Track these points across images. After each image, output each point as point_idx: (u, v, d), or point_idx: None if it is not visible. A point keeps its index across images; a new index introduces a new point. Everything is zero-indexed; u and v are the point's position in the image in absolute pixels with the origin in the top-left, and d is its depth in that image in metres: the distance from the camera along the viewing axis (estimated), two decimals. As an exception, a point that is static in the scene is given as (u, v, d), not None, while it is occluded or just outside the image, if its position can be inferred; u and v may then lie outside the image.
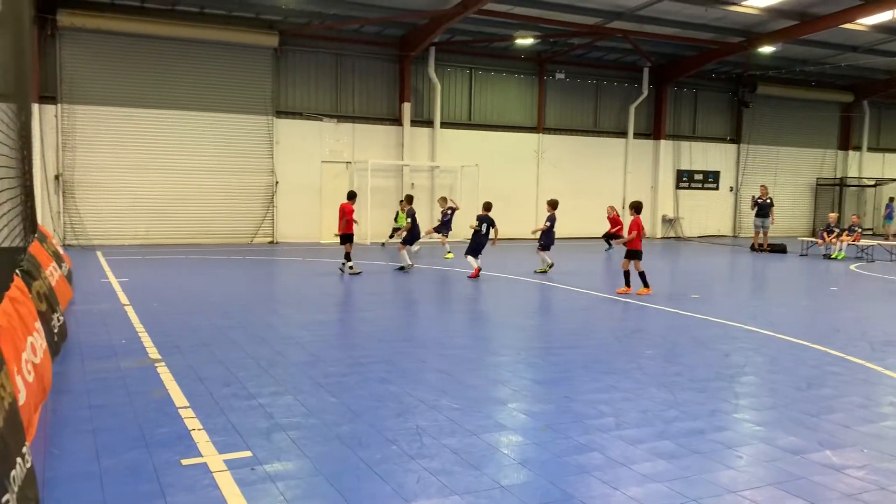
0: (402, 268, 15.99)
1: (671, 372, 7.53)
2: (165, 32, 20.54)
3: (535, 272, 15.87)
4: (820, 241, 21.81)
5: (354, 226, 15.46)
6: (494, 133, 25.69)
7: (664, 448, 5.26)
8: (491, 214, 15.22)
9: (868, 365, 7.96)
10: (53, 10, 19.21)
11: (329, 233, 23.30)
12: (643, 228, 13.21)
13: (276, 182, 22.44)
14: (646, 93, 27.87)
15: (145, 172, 20.90)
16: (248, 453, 4.97)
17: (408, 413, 5.93)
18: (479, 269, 14.75)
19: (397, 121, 24.09)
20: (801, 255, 21.67)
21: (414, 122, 24.21)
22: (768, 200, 22.82)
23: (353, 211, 15.34)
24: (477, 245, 14.92)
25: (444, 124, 24.70)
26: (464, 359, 7.90)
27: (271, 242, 22.42)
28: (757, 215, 22.94)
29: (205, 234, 21.71)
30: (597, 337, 9.38)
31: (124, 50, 20.49)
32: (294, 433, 5.39)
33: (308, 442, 5.23)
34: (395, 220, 22.48)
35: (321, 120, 23.06)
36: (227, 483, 4.47)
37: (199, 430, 5.40)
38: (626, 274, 13.04)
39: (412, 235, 16.75)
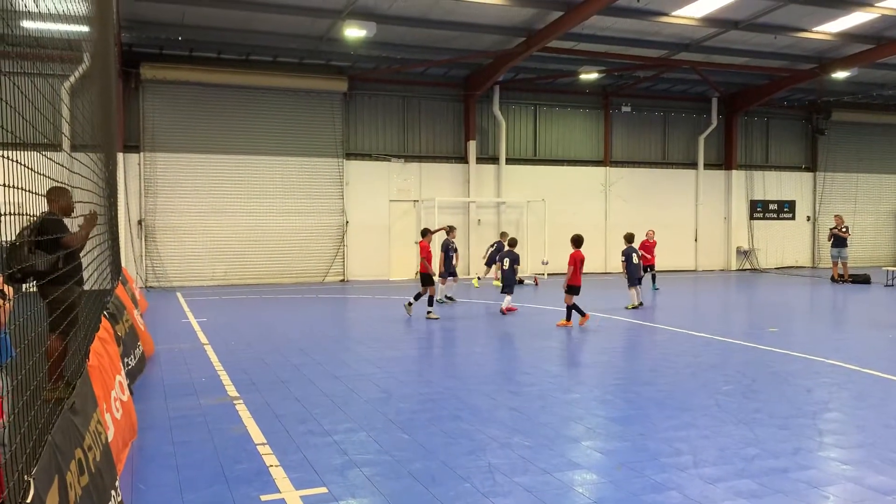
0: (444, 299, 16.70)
1: (750, 409, 7.30)
2: (240, 81, 21.46)
3: (626, 308, 15.54)
4: (907, 270, 20.85)
5: (437, 264, 14.97)
6: (560, 168, 25.67)
7: (744, 487, 5.10)
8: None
9: (964, 401, 7.54)
10: (137, 64, 20.35)
11: (398, 270, 23.63)
12: (581, 262, 13.38)
13: (347, 222, 22.94)
14: (715, 123, 27.43)
15: (222, 215, 21.70)
16: (323, 489, 5.06)
17: (480, 450, 5.93)
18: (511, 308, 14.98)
19: (463, 158, 24.37)
20: (886, 286, 20.73)
21: (479, 160, 24.45)
22: (844, 229, 21.99)
23: (425, 248, 14.77)
24: (508, 282, 15.02)
25: (509, 160, 24.84)
26: (535, 396, 7.86)
27: (342, 281, 22.84)
28: (833, 245, 22.11)
29: (279, 274, 22.30)
30: (673, 373, 9.18)
31: (202, 99, 21.48)
32: (368, 470, 5.46)
33: (381, 479, 5.29)
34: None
35: (389, 160, 23.54)
36: (304, 518, 4.56)
37: (276, 466, 5.53)
38: (569, 308, 13.16)
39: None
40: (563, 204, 25.03)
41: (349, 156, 23.07)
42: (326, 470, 5.45)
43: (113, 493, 3.81)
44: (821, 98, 27.86)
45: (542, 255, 23.86)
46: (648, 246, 19.85)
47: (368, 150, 23.40)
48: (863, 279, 21.72)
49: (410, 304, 14.48)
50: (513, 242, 15.72)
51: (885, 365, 9.44)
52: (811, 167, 29.64)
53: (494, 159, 24.77)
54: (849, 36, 21.29)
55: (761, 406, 7.42)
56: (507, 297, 14.85)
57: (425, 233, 15.26)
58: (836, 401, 7.75)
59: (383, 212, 23.51)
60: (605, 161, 26.31)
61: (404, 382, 8.50)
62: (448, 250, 16.67)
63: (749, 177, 28.56)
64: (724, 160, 28.23)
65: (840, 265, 21.99)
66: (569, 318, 13.17)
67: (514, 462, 5.65)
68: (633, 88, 26.04)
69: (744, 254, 28.56)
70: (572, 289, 13.19)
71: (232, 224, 21.80)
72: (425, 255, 14.44)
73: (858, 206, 29.92)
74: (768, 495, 4.94)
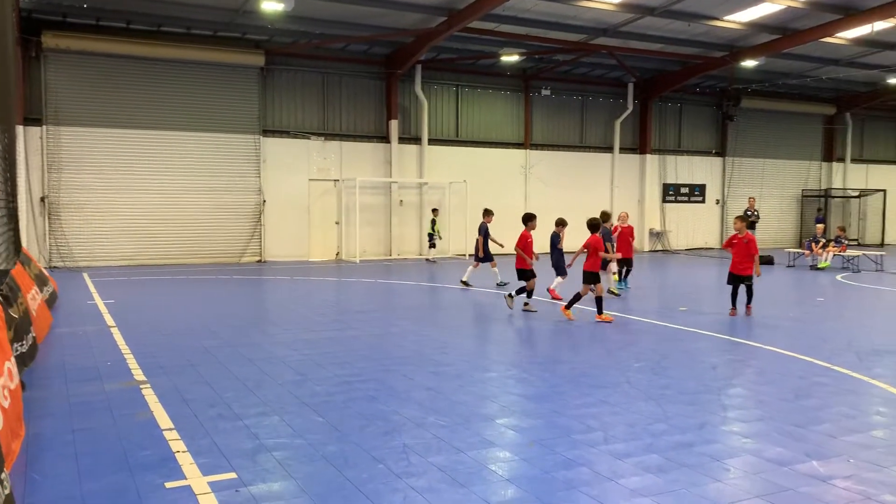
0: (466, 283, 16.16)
1: (659, 385, 7.52)
2: (151, 53, 20.54)
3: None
4: (807, 251, 21.95)
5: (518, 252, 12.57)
6: (482, 149, 25.78)
7: (651, 462, 5.24)
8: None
9: (855, 375, 7.99)
10: (38, 31, 19.19)
11: (318, 250, 23.29)
12: (529, 242, 12.51)
13: (264, 201, 22.40)
14: (631, 108, 28.07)
15: (132, 193, 20.81)
16: (232, 475, 4.91)
17: (395, 431, 5.89)
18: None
19: (385, 138, 24.14)
20: (787, 267, 21.79)
21: (401, 140, 24.27)
22: (756, 213, 22.91)
23: (526, 237, 12.59)
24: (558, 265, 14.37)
25: (431, 141, 24.77)
26: (452, 375, 7.87)
27: (259, 261, 22.34)
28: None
29: (192, 254, 21.60)
30: (588, 352, 9.37)
31: (110, 71, 20.46)
32: (279, 454, 5.34)
33: (294, 462, 5.18)
34: (433, 228, 23.52)
35: (308, 138, 23.08)
36: (211, 505, 4.42)
37: (183, 452, 5.34)
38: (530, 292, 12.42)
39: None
40: (484, 185, 25.15)
41: (266, 132, 22.49)
42: (236, 455, 5.30)
43: (-1, 485, 3.58)
44: (731, 85, 28.89)
45: (464, 235, 24.02)
46: (624, 232, 15.74)
47: (287, 127, 22.87)
48: (767, 260, 22.72)
49: (511, 296, 12.53)
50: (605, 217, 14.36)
51: (784, 342, 9.91)
52: (721, 152, 30.77)
53: (417, 139, 24.65)
54: (758, 25, 22.11)
55: (670, 382, 7.65)
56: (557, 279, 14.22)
57: (530, 218, 12.88)
58: (740, 377, 8.08)
59: (302, 191, 23.07)
60: (526, 143, 26.58)
61: (320, 365, 8.37)
62: (487, 234, 16.24)
63: (662, 161, 29.41)
64: (638, 144, 28.96)
65: None
66: (600, 310, 11.63)
67: (429, 442, 5.64)
68: (552, 72, 26.33)
69: (656, 235, 29.47)
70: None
71: (142, 202, 20.94)
72: (523, 246, 12.52)
73: (764, 190, 31.28)
74: (674, 469, 5.10)
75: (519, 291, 12.48)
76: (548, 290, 14.22)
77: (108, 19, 19.85)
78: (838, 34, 22.26)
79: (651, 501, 4.55)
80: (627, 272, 16.19)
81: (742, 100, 29.59)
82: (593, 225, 11.99)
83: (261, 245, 22.51)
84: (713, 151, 30.71)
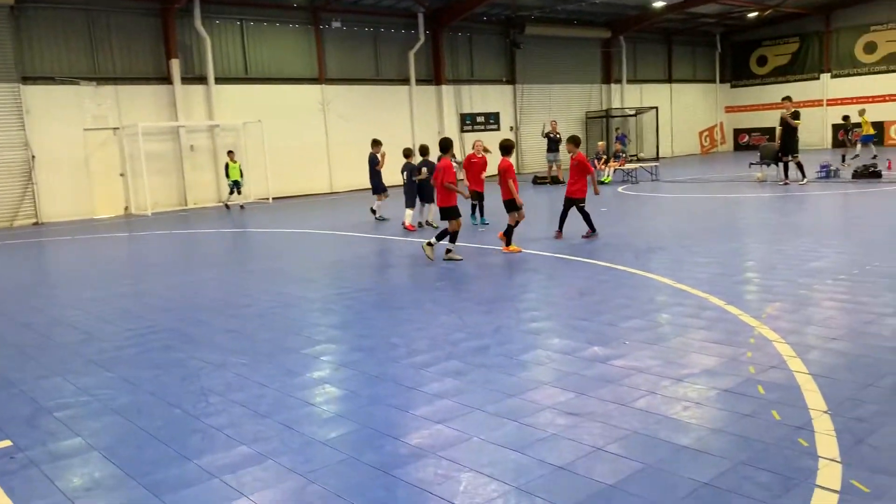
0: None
1: (460, 299, 7.81)
2: None
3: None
4: (591, 168, 23.57)
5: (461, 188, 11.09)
6: (275, 86, 24.75)
7: (451, 367, 5.45)
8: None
9: (631, 270, 8.77)
10: None
11: (104, 206, 21.47)
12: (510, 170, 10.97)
13: (33, 156, 20.15)
14: (423, 39, 28.16)
15: None
16: (6, 443, 4.47)
17: (192, 376, 5.64)
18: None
19: (166, 79, 22.42)
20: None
21: (185, 80, 22.68)
22: (558, 136, 24.07)
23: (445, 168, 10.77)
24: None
25: (218, 80, 23.37)
26: (254, 316, 7.66)
27: (35, 224, 20.20)
28: (549, 150, 24.14)
29: (-48, 223, 19.11)
30: (393, 277, 9.49)
31: None
32: (62, 414, 4.93)
33: (78, 420, 4.81)
34: (228, 175, 21.64)
35: (78, 83, 20.90)
36: (-21, 478, 3.99)
37: (-56, 428, 4.77)
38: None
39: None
40: (281, 125, 24.30)
41: (27, 80, 20.06)
42: (9, 422, 4.82)
43: None
44: (515, 13, 29.83)
45: (265, 179, 23.26)
46: (476, 164, 13.46)
47: (51, 73, 20.53)
48: (555, 180, 24.12)
49: (431, 244, 10.31)
50: (424, 150, 14.84)
51: (570, 249, 10.64)
52: (511, 80, 31.90)
53: (202, 79, 23.15)
54: (534, -47, 22.80)
55: (470, 296, 7.97)
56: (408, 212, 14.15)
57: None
58: (532, 283, 8.59)
59: (78, 143, 20.98)
60: (321, 79, 25.90)
61: (109, 321, 7.78)
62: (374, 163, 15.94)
63: (458, 91, 30.00)
64: (434, 76, 29.28)
65: (555, 167, 24.17)
66: (509, 241, 10.82)
67: (230, 381, 5.46)
68: (341, 3, 25.68)
69: (458, 164, 30.17)
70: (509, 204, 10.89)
71: None
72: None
73: (553, 114, 32.97)
74: (472, 371, 5.33)
75: (440, 237, 10.38)
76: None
77: None
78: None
79: (451, 402, 4.73)
80: (481, 207, 14.63)
81: (526, 27, 30.69)
82: (504, 147, 11.04)
83: (35, 205, 20.33)
84: (504, 80, 31.76)
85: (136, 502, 3.63)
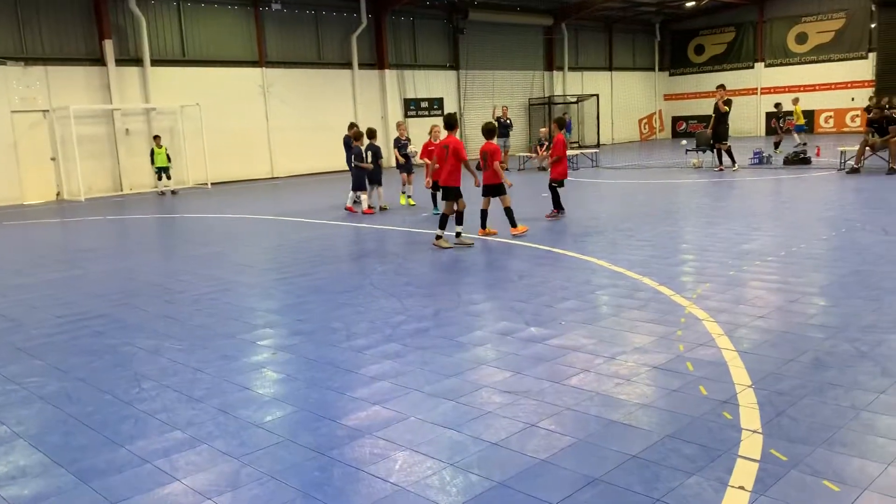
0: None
1: (401, 283, 7.82)
2: None
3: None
4: (534, 154, 23.78)
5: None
6: (214, 69, 24.18)
7: (391, 349, 5.46)
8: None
9: (569, 253, 8.91)
10: None
11: (33, 191, 20.70)
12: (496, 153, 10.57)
13: (-43, 139, 19.29)
14: (365, 22, 27.87)
15: None
16: (-75, 434, 4.31)
17: (126, 363, 5.52)
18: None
19: (100, 60, 21.68)
20: (518, 170, 23.51)
21: (119, 62, 21.97)
22: (508, 121, 24.19)
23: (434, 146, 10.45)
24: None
25: (154, 62, 22.72)
26: (190, 301, 7.52)
27: (-39, 210, 19.37)
28: (500, 136, 24.21)
29: None
30: (334, 261, 9.43)
31: None
32: (-15, 403, 4.77)
33: (3, 409, 4.66)
34: (153, 161, 21.24)
35: (5, 64, 20.04)
36: None
37: None
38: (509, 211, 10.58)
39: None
40: (221, 108, 23.78)
41: (-52, 59, 19.18)
42: (-71, 413, 4.64)
43: None
44: (458, -2, 29.79)
45: (203, 164, 22.77)
46: (434, 151, 11.62)
47: (-26, 53, 19.66)
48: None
49: (459, 234, 10.11)
50: (371, 133, 14.59)
51: (512, 235, 10.74)
52: (455, 65, 31.88)
53: (138, 61, 22.45)
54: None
55: (411, 280, 7.98)
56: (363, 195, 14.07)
57: (491, 133, 10.54)
58: (473, 267, 8.64)
59: (4, 126, 20.13)
60: (261, 62, 25.41)
61: (37, 308, 7.54)
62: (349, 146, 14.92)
63: (401, 76, 29.84)
64: (377, 60, 29.04)
65: (503, 153, 24.29)
66: (514, 223, 10.45)
67: (165, 367, 5.36)
68: (281, -16, 25.22)
69: (414, 153, 30.05)
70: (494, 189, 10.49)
71: None
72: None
73: (496, 100, 33.11)
74: (410, 353, 5.36)
75: (442, 225, 9.94)
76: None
77: None
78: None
79: (389, 384, 4.75)
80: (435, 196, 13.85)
81: (470, 13, 30.68)
82: (488, 131, 10.58)
83: (-40, 191, 19.48)
84: (447, 65, 31.71)
85: (62, 489, 3.55)
